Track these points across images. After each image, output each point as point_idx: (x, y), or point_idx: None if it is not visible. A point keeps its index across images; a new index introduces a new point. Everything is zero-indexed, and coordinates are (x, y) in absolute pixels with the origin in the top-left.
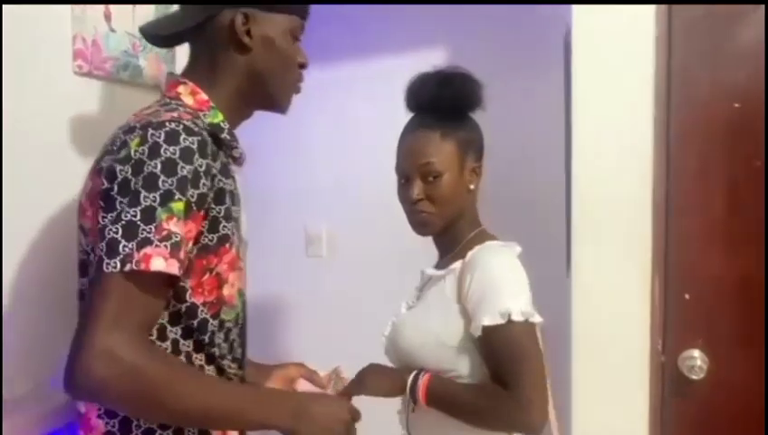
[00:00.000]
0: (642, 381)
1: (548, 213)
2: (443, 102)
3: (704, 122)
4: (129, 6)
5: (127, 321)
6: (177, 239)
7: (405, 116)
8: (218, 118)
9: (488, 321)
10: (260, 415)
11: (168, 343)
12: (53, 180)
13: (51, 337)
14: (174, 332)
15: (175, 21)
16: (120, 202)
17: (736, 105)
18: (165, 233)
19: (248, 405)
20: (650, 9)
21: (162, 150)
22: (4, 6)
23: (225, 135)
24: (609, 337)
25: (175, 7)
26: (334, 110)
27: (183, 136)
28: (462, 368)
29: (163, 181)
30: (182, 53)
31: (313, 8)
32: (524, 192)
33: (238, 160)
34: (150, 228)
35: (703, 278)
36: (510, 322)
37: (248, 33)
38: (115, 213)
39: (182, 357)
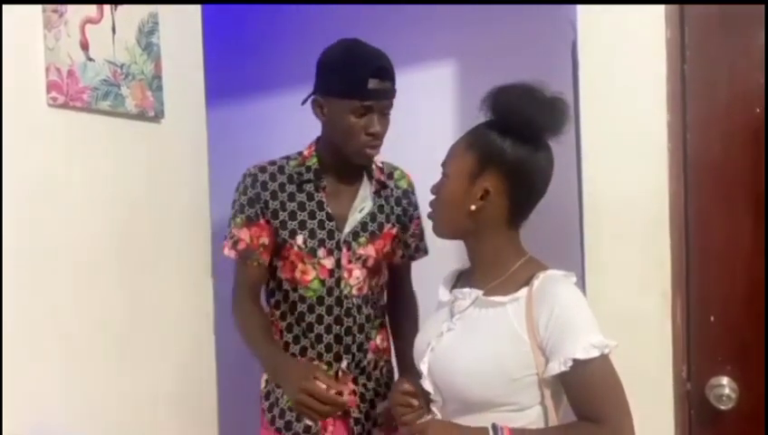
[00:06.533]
0: (666, 412)
1: (561, 236)
2: (529, 124)
3: (723, 130)
4: (109, 34)
5: (235, 286)
6: (236, 239)
7: (416, 131)
8: (312, 162)
9: (581, 354)
10: (265, 364)
11: (273, 301)
12: (28, 223)
13: None
14: (276, 296)
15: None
16: None
17: (758, 110)
18: (231, 235)
19: (263, 355)
20: (660, 9)
21: (238, 186)
22: None
23: (310, 174)
24: (630, 366)
25: (159, 24)
26: None
27: (244, 178)
28: (525, 400)
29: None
30: (170, 81)
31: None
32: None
33: (326, 189)
34: (227, 233)
35: (729, 298)
36: (602, 355)
37: (323, 112)
38: None
39: (278, 315)
